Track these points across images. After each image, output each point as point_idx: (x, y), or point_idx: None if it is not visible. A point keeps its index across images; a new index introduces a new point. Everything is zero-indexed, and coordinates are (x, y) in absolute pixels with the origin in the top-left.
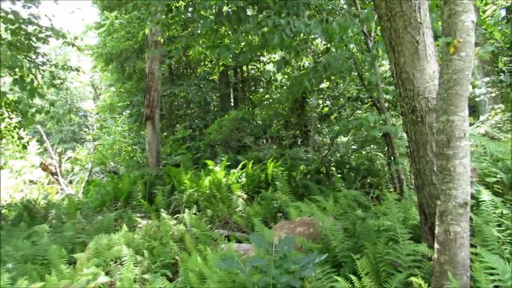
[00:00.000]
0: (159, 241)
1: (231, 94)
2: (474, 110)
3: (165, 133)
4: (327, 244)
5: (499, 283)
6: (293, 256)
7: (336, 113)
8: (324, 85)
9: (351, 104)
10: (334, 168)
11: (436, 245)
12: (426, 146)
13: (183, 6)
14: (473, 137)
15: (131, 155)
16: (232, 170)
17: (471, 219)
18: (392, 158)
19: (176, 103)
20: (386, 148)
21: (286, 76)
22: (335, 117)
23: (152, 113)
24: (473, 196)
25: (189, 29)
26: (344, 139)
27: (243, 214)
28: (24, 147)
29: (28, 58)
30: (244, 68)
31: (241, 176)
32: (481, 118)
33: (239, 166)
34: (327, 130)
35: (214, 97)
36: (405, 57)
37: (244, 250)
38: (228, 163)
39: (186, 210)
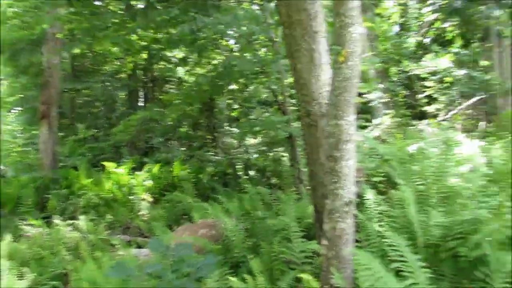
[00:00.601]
0: (49, 251)
1: (140, 93)
2: (370, 114)
3: (64, 133)
4: (228, 245)
5: (370, 278)
6: (190, 259)
7: (244, 116)
8: (234, 87)
9: (259, 107)
10: (241, 170)
11: (324, 242)
12: (319, 149)
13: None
14: (366, 140)
15: (21, 156)
16: (137, 173)
17: (356, 216)
18: (294, 159)
19: (79, 101)
20: (290, 150)
21: (195, 76)
22: (244, 120)
23: (49, 111)
24: (359, 195)
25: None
26: (254, 141)
27: (147, 218)
28: None
29: None
30: (155, 66)
31: (146, 179)
32: (374, 122)
33: (145, 168)
34: (236, 132)
35: (122, 96)
36: (302, 64)
37: (144, 255)
38: (134, 165)
39: (83, 215)
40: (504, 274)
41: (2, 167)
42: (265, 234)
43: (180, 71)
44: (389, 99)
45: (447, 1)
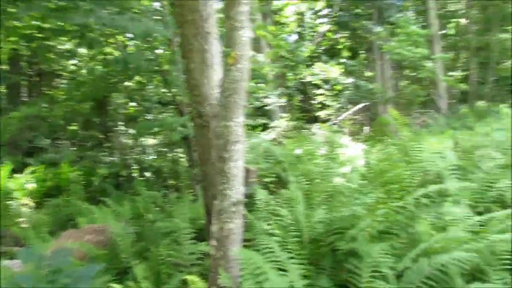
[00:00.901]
0: None
1: (22, 87)
2: (267, 117)
3: None
4: (115, 251)
5: (255, 276)
6: (69, 269)
7: (141, 115)
8: (130, 84)
9: (157, 107)
10: (136, 171)
11: (212, 242)
12: (211, 150)
13: None
14: (262, 142)
15: None
16: (17, 175)
17: (245, 216)
18: (191, 160)
19: None
20: (186, 151)
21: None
22: (141, 119)
23: None
24: (251, 195)
25: None
26: (152, 141)
27: (27, 225)
28: None
29: None
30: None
31: (28, 182)
32: (272, 124)
33: (28, 170)
34: (131, 132)
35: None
36: (195, 64)
37: (18, 267)
38: (14, 167)
39: None
40: (371, 264)
41: None
42: (154, 237)
43: (71, 64)
44: (286, 103)
45: (337, 14)
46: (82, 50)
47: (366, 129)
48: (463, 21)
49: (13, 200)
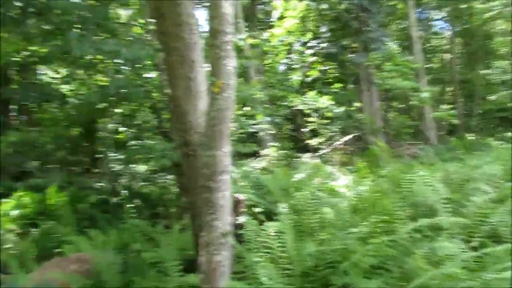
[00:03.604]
0: None
1: (11, 111)
2: (257, 145)
3: None
4: (100, 281)
5: None
6: None
7: (130, 141)
8: (120, 110)
9: (147, 133)
10: (124, 198)
11: (200, 275)
12: (198, 179)
13: None
14: (251, 171)
15: None
16: (3, 200)
17: (234, 247)
18: (181, 188)
19: None
20: (177, 178)
21: (76, 96)
22: (130, 145)
23: None
24: (240, 226)
25: None
26: (143, 168)
27: (12, 252)
28: None
29: None
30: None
31: (14, 208)
32: (262, 152)
33: (14, 195)
34: (121, 157)
35: None
36: (180, 92)
37: None
38: (0, 192)
39: None
40: None
41: None
42: (140, 268)
43: (63, 89)
44: (276, 132)
45: (324, 45)
46: (71, 75)
47: (356, 159)
48: (447, 56)
49: None
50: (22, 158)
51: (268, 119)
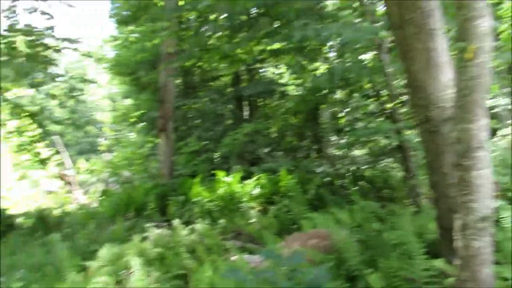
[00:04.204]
0: (171, 251)
1: (243, 106)
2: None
3: (178, 144)
4: (341, 257)
5: None
6: (304, 268)
7: (350, 125)
8: (339, 95)
9: (365, 117)
10: (348, 181)
11: (457, 261)
12: (442, 157)
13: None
14: (497, 149)
15: (144, 166)
16: (246, 181)
17: (493, 234)
18: (407, 170)
19: (190, 115)
20: (401, 160)
21: (298, 85)
22: (349, 130)
23: (166, 125)
24: (494, 211)
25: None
26: (358, 152)
27: (256, 226)
28: (43, 163)
29: (44, 70)
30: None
31: (254, 188)
32: (501, 131)
33: (253, 178)
34: (341, 142)
35: (227, 109)
36: (417, 65)
37: (255, 261)
38: (242, 175)
39: (199, 220)
40: None
41: (128, 174)
42: (382, 248)
43: (283, 82)
44: None
45: None
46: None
47: None
48: None
49: (244, 203)
50: (255, 146)
51: (505, 89)
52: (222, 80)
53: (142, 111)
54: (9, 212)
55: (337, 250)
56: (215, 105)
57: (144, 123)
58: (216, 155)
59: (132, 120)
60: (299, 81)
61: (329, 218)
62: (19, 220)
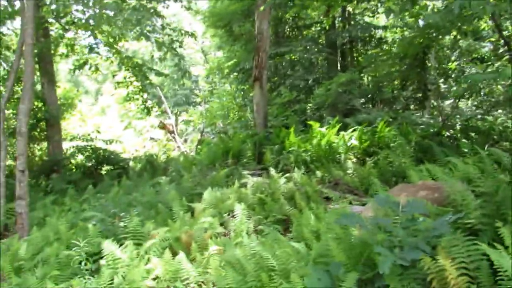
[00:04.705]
0: (269, 198)
1: (338, 56)
2: None
3: (271, 94)
4: (457, 210)
5: None
6: (422, 218)
7: (460, 72)
8: (448, 39)
9: (477, 62)
10: (458, 131)
11: None
12: None
13: None
14: None
15: (239, 116)
16: (342, 132)
17: None
18: None
19: (282, 65)
20: None
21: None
22: (457, 77)
23: (260, 74)
24: None
25: None
26: (463, 105)
27: (354, 176)
28: (148, 111)
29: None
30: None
31: (350, 139)
32: None
33: (350, 129)
34: (450, 90)
35: (320, 59)
36: None
37: (357, 211)
38: (336, 126)
39: (296, 169)
40: None
41: (222, 125)
42: (510, 201)
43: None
44: None
45: None
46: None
47: None
48: None
49: (340, 154)
50: (350, 97)
51: None
52: (315, 28)
53: (236, 61)
54: (122, 156)
55: (451, 203)
56: (308, 54)
57: (238, 73)
58: (309, 106)
59: (226, 71)
60: (406, 21)
61: (440, 169)
62: (130, 164)
